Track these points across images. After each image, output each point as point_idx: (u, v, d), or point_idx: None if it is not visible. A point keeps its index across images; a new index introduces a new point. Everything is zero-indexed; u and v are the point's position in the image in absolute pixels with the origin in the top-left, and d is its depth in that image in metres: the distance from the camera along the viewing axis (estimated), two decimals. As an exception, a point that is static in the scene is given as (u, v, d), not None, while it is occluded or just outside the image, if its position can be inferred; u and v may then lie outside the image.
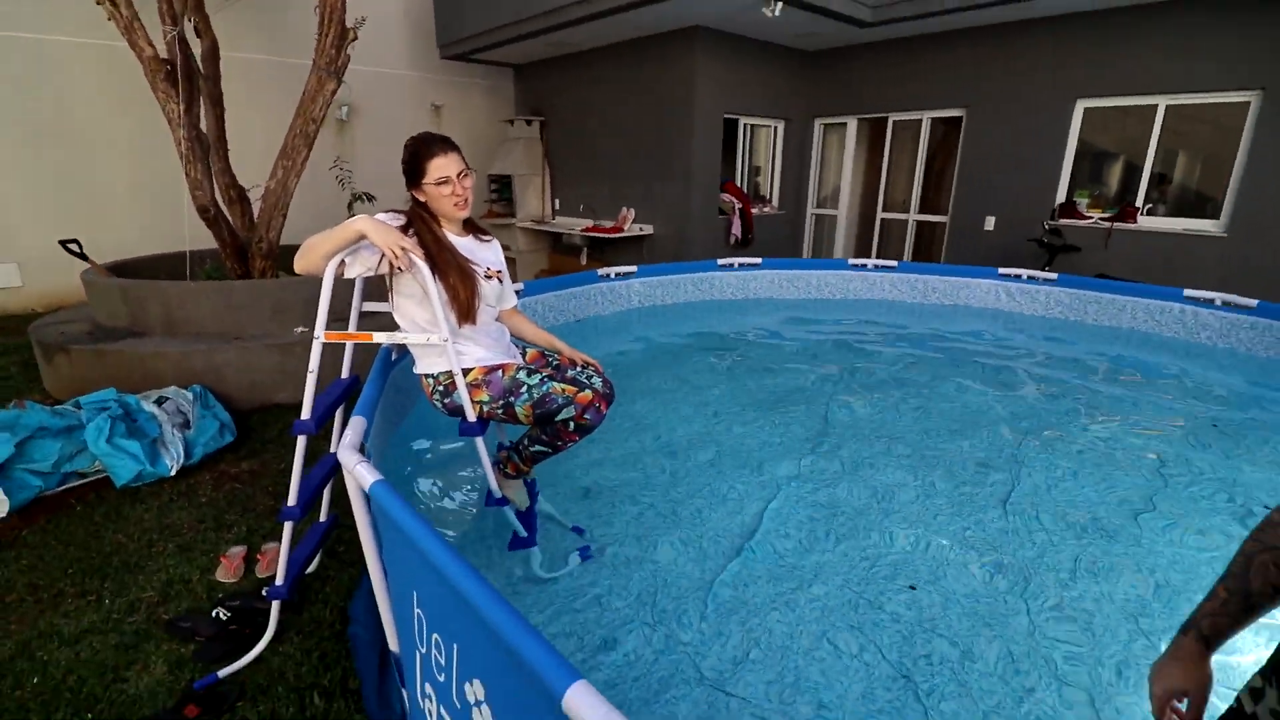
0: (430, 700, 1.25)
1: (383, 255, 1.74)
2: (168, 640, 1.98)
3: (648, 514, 2.42)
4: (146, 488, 2.83)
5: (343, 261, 1.75)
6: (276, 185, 4.24)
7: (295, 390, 3.69)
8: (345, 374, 2.10)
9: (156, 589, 2.20)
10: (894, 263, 5.33)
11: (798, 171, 8.15)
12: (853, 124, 7.66)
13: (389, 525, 1.27)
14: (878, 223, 7.71)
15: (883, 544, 2.23)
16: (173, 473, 2.88)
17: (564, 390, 1.96)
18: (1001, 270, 5.07)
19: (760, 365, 4.09)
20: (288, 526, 1.86)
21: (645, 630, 1.83)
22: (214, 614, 2.04)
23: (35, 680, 1.84)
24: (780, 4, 5.33)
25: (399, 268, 1.75)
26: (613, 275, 4.77)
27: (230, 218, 4.40)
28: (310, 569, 2.26)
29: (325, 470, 2.01)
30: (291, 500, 1.83)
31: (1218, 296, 4.20)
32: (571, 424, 1.97)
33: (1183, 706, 0.95)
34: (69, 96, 6.13)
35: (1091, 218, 5.99)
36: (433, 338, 1.86)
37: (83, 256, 4.28)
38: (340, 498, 2.24)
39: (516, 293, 2.44)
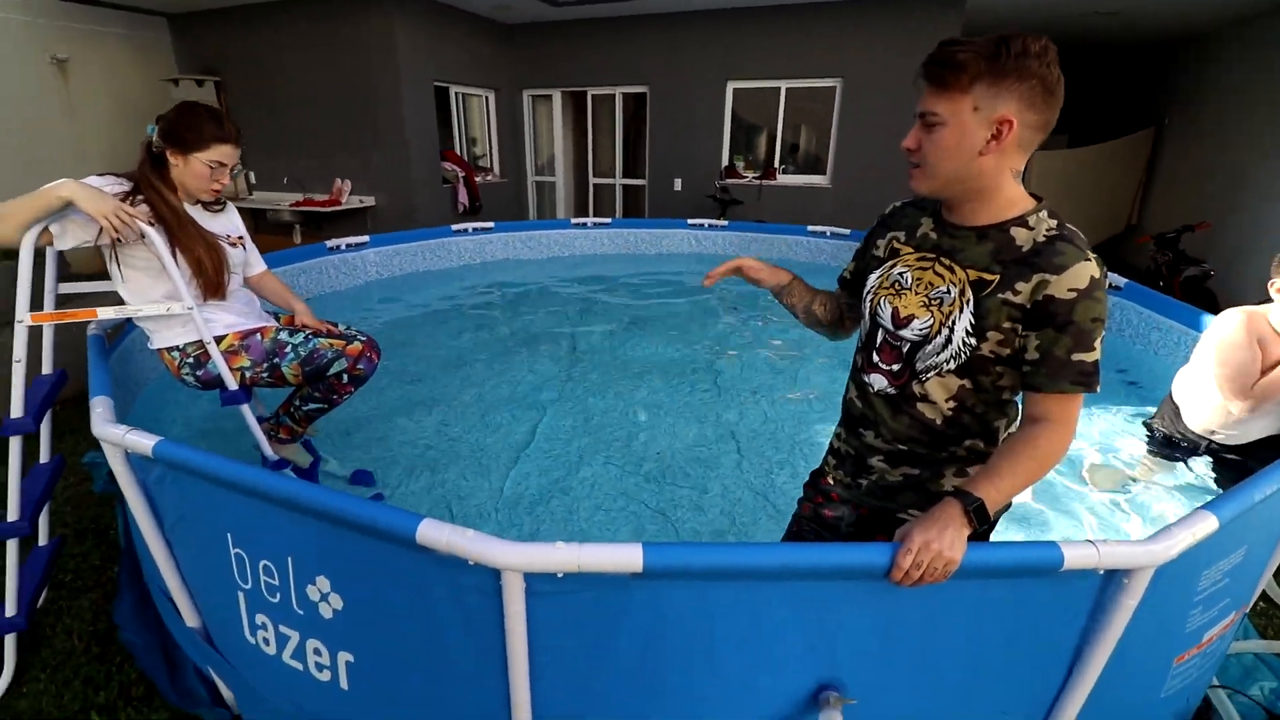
0: (265, 629, 1.33)
1: (101, 226, 1.54)
2: None
3: (429, 453, 2.59)
4: None
5: (47, 230, 1.51)
6: None
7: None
8: (48, 369, 1.79)
9: None
10: (608, 220, 6.02)
11: (513, 141, 8.65)
12: (557, 96, 8.35)
13: (185, 482, 1.26)
14: (590, 187, 8.60)
15: (631, 428, 2.79)
16: None
17: (331, 345, 1.91)
18: (690, 221, 6.20)
19: (506, 316, 4.48)
20: (12, 545, 1.64)
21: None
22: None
23: None
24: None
25: (122, 239, 1.55)
26: (344, 246, 4.72)
27: None
28: (38, 603, 1.97)
29: (43, 483, 1.76)
30: (13, 513, 1.60)
31: (828, 229, 5.72)
32: (345, 376, 1.93)
33: None
34: None
35: (747, 177, 7.45)
36: (174, 307, 1.68)
37: None
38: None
39: None
